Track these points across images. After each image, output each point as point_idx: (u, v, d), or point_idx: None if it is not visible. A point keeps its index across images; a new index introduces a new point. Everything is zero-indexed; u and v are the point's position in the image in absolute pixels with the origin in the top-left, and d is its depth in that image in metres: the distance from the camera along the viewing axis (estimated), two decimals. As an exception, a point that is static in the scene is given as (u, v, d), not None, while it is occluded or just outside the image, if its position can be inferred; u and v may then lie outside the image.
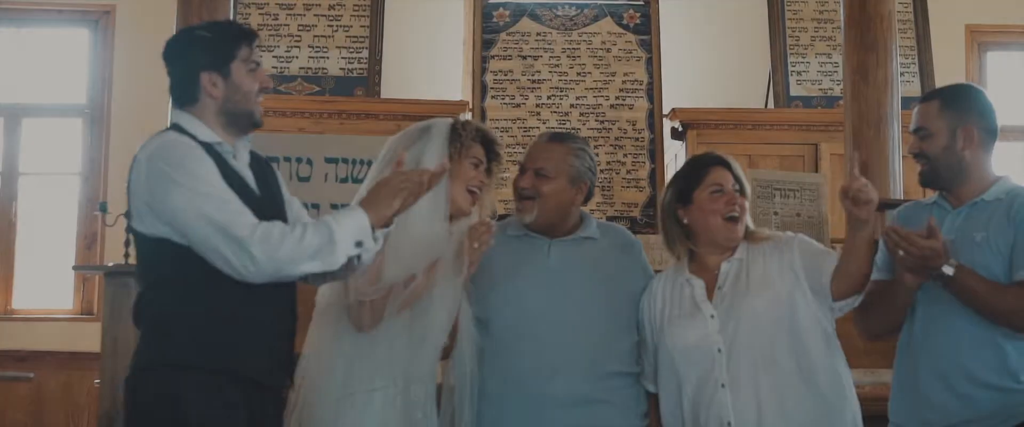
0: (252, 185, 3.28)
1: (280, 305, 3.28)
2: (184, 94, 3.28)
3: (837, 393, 3.69)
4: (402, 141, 3.66)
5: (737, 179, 3.75)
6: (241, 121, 3.28)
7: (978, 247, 3.55)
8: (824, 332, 3.68)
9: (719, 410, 3.59)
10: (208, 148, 3.20)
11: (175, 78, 3.30)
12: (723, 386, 3.60)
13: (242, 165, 3.30)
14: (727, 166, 3.78)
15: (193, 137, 3.20)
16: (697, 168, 3.83)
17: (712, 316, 3.66)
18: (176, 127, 3.26)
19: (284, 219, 3.30)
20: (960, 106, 3.69)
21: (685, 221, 3.77)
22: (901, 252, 3.41)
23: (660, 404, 3.79)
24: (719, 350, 3.62)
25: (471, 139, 3.66)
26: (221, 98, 3.25)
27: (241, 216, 3.04)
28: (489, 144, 3.73)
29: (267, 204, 3.28)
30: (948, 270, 3.43)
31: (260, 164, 3.40)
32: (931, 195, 3.86)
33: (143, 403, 3.16)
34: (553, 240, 3.89)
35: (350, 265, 3.24)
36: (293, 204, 3.47)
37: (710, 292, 3.71)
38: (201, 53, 3.27)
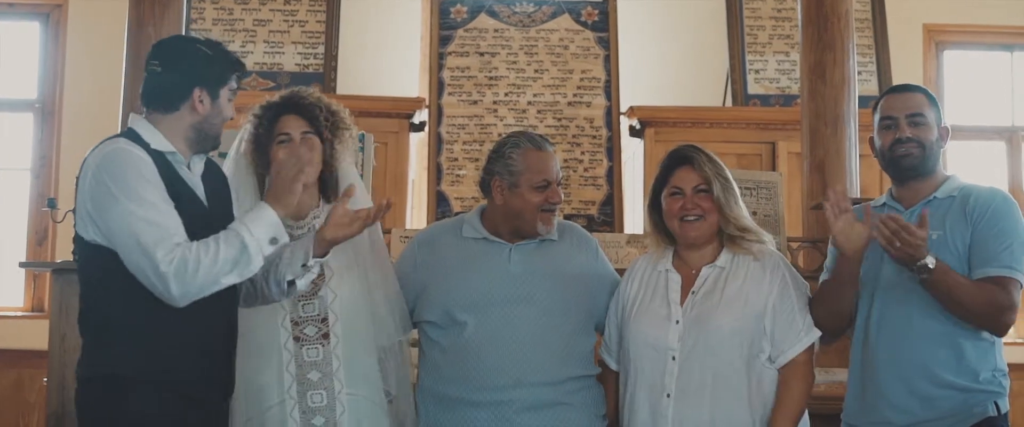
0: (201, 197, 3.31)
1: (220, 319, 3.29)
2: (165, 100, 3.30)
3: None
4: (231, 157, 3.75)
5: (709, 178, 3.67)
6: (207, 142, 3.33)
7: (935, 245, 3.57)
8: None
9: (659, 420, 3.57)
10: (159, 156, 3.22)
11: (164, 82, 3.31)
12: (669, 396, 3.58)
13: (193, 176, 3.31)
14: (692, 164, 3.71)
15: (146, 145, 3.22)
16: (664, 169, 3.79)
17: (677, 322, 3.62)
18: (130, 133, 3.27)
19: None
20: (938, 106, 3.79)
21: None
22: (898, 243, 3.41)
23: (619, 382, 3.77)
24: (673, 358, 3.59)
25: (270, 120, 3.69)
26: (203, 116, 3.29)
27: (164, 243, 3.06)
28: (297, 109, 3.68)
29: (216, 216, 3.30)
30: (930, 262, 3.43)
31: (213, 175, 3.42)
32: (879, 196, 3.88)
33: (89, 415, 3.19)
34: (514, 244, 3.86)
35: (283, 290, 3.35)
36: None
37: (685, 292, 3.68)
38: (201, 67, 3.31)
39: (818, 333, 3.67)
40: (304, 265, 3.34)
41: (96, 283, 3.21)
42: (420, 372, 3.90)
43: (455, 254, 3.86)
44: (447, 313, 3.78)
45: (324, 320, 3.62)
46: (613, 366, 3.82)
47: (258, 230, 3.12)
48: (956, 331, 3.55)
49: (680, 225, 3.68)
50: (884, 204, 3.81)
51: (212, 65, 3.31)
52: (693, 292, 3.67)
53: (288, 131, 3.65)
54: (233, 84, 3.35)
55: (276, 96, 3.78)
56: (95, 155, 3.20)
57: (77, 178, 3.25)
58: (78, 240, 3.23)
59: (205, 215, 3.26)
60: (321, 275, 3.60)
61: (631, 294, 3.77)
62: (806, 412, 3.69)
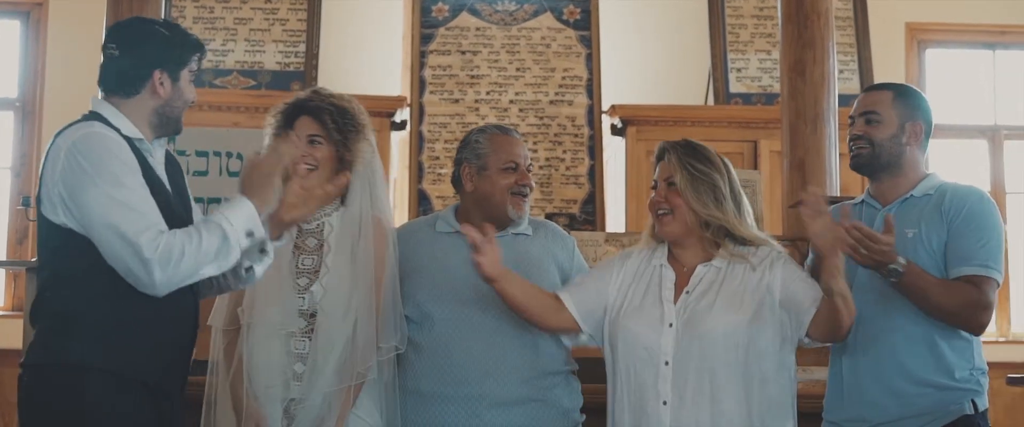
0: (167, 185, 3.28)
1: (184, 312, 3.26)
2: (126, 84, 3.24)
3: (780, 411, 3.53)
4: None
5: (682, 167, 3.53)
6: (169, 126, 3.29)
7: (910, 243, 3.57)
8: (779, 361, 3.49)
9: (655, 423, 3.45)
10: (130, 143, 3.17)
11: (122, 66, 3.26)
12: (665, 403, 3.43)
13: (158, 164, 3.28)
14: (665, 156, 3.61)
15: (117, 131, 3.17)
16: (653, 166, 3.69)
17: (670, 325, 3.48)
18: (98, 117, 3.21)
19: (191, 218, 3.32)
20: (912, 102, 3.75)
21: None
22: (863, 250, 3.38)
23: (608, 387, 3.62)
24: (666, 363, 3.44)
25: (288, 120, 3.66)
26: (164, 99, 3.24)
27: (148, 231, 3.01)
28: (311, 111, 3.66)
29: (179, 204, 3.29)
30: (900, 266, 3.42)
31: (172, 163, 3.40)
32: (858, 194, 3.88)
33: (40, 402, 3.11)
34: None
35: (240, 277, 3.29)
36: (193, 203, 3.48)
37: (678, 290, 3.54)
38: (160, 49, 3.26)
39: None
40: (261, 250, 3.25)
41: (60, 270, 3.15)
42: (398, 369, 3.85)
43: (428, 249, 3.85)
44: (420, 308, 3.77)
45: (313, 315, 3.61)
46: (579, 319, 3.62)
47: (237, 221, 3.07)
48: (934, 330, 3.55)
49: (656, 220, 3.59)
50: (862, 202, 3.81)
51: (172, 47, 3.27)
52: (687, 291, 3.53)
53: (300, 129, 3.64)
54: (194, 65, 3.30)
55: (293, 97, 3.76)
56: (66, 138, 3.13)
57: (43, 162, 3.18)
58: (44, 224, 3.16)
59: (171, 203, 3.24)
60: (316, 270, 3.61)
61: (624, 281, 3.64)
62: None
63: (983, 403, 3.58)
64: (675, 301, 3.52)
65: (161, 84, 3.23)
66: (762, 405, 3.46)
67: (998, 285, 3.56)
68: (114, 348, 3.09)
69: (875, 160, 3.70)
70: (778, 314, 3.47)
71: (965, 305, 3.50)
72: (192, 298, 3.28)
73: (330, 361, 3.59)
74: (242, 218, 3.09)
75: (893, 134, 3.69)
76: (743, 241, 3.55)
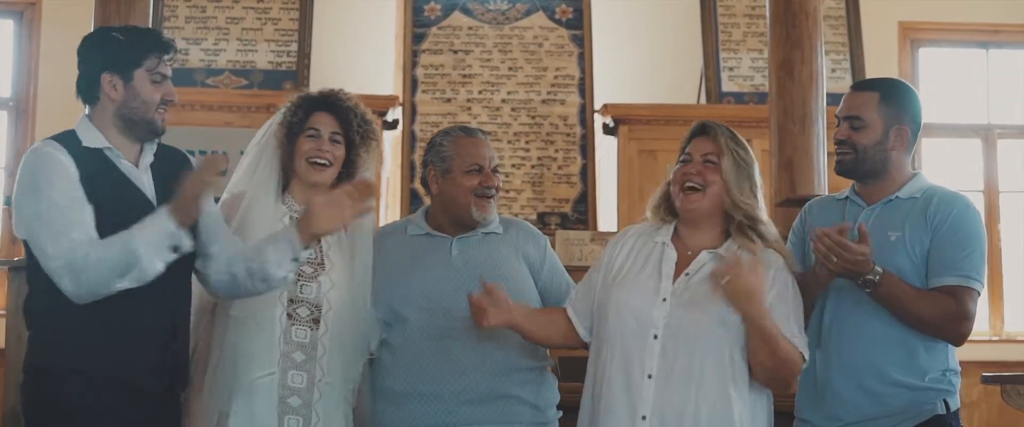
0: (145, 190, 3.32)
1: (157, 311, 3.28)
2: (86, 92, 3.34)
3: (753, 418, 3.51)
4: (260, 133, 3.75)
5: (718, 149, 3.45)
6: (138, 128, 3.33)
7: (892, 246, 3.54)
8: None
9: (637, 400, 3.39)
10: (95, 153, 3.24)
11: (80, 72, 3.35)
12: (650, 377, 3.39)
13: (135, 169, 3.33)
14: (709, 133, 3.51)
15: (78, 143, 3.25)
16: (685, 140, 3.59)
17: (664, 299, 3.44)
18: (67, 133, 3.31)
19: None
20: (899, 104, 3.67)
21: None
22: (834, 258, 3.36)
23: (589, 361, 3.59)
24: (655, 336, 3.40)
25: (303, 113, 3.69)
26: (118, 101, 3.29)
27: (59, 241, 3.10)
28: (332, 108, 3.71)
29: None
30: (874, 276, 3.40)
31: (166, 167, 3.40)
32: (843, 189, 3.84)
33: (32, 409, 3.23)
34: (456, 237, 3.87)
35: (270, 286, 3.38)
36: (210, 205, 3.43)
37: (678, 271, 3.49)
38: (108, 53, 3.32)
39: (807, 352, 3.47)
40: (294, 259, 3.37)
41: (33, 277, 3.26)
42: (372, 371, 3.87)
43: (400, 252, 3.87)
44: (392, 310, 3.79)
45: (317, 306, 3.63)
46: (581, 332, 3.64)
47: (149, 236, 3.12)
48: (908, 331, 3.54)
49: (681, 193, 3.49)
50: (847, 197, 3.77)
51: (121, 48, 3.31)
52: (687, 274, 3.48)
53: (318, 127, 3.67)
54: (152, 64, 3.31)
55: (315, 90, 3.79)
56: (24, 156, 3.25)
57: None
58: None
59: (150, 208, 3.25)
60: (321, 263, 3.65)
61: (619, 259, 3.60)
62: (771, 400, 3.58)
63: (955, 403, 3.57)
64: (674, 280, 3.48)
65: (112, 86, 3.28)
66: (741, 400, 3.43)
67: (978, 295, 3.55)
68: (91, 351, 3.16)
69: (859, 166, 3.64)
70: None
71: (943, 316, 3.49)
72: (173, 299, 3.32)
73: (338, 358, 3.64)
74: (157, 233, 3.14)
75: (878, 140, 3.62)
76: (759, 235, 3.50)
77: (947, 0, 9.03)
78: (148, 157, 3.36)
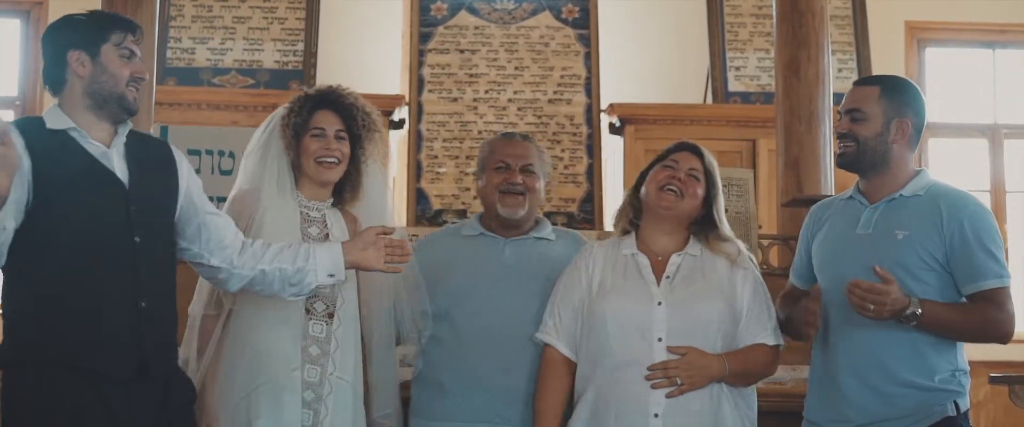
0: (116, 171, 3.27)
1: (128, 295, 3.23)
2: (53, 77, 3.30)
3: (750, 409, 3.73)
4: (259, 134, 3.77)
5: (706, 170, 3.72)
6: (110, 105, 3.29)
7: (899, 245, 3.54)
8: None
9: (647, 400, 3.53)
10: (59, 135, 3.22)
11: (46, 60, 3.33)
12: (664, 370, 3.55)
13: (105, 150, 3.29)
14: (698, 154, 3.75)
15: (41, 125, 3.23)
16: (666, 151, 3.80)
17: (660, 303, 3.59)
18: (32, 118, 3.32)
19: (165, 206, 3.37)
20: (900, 98, 3.68)
21: (641, 198, 3.76)
22: (871, 306, 3.37)
23: (578, 369, 3.71)
24: (660, 339, 3.56)
25: (306, 113, 3.71)
26: (87, 78, 3.26)
27: None
28: (334, 106, 3.74)
29: (140, 190, 3.29)
30: (915, 309, 3.41)
31: (144, 149, 3.40)
32: (846, 190, 3.85)
33: (4, 401, 3.20)
34: (508, 239, 3.97)
35: (299, 293, 3.48)
36: (193, 194, 3.45)
37: (656, 276, 3.66)
38: (72, 33, 3.30)
39: (782, 342, 3.72)
40: (331, 275, 3.44)
41: (7, 267, 3.22)
42: (419, 361, 4.00)
43: (454, 250, 4.02)
44: (442, 304, 3.90)
45: (333, 301, 3.66)
46: (564, 351, 3.73)
47: None
48: (915, 331, 3.53)
49: (657, 192, 3.69)
50: (850, 197, 3.79)
51: (84, 26, 3.30)
52: (667, 277, 3.66)
53: (323, 126, 3.71)
54: (119, 38, 3.29)
55: (315, 88, 3.82)
56: None
57: None
58: None
59: (119, 187, 3.25)
60: None
61: (597, 276, 3.73)
62: (755, 397, 3.76)
63: (965, 404, 3.56)
64: (658, 284, 3.65)
65: (80, 63, 3.25)
66: (743, 392, 3.68)
67: (1010, 287, 3.54)
68: (48, 340, 3.14)
69: (860, 158, 3.66)
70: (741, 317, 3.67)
71: (988, 325, 3.51)
72: (138, 289, 3.26)
73: (350, 353, 3.67)
74: None
75: (878, 132, 3.64)
76: (720, 237, 3.73)
77: (954, 0, 9.01)
78: (121, 139, 3.33)
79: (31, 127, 3.23)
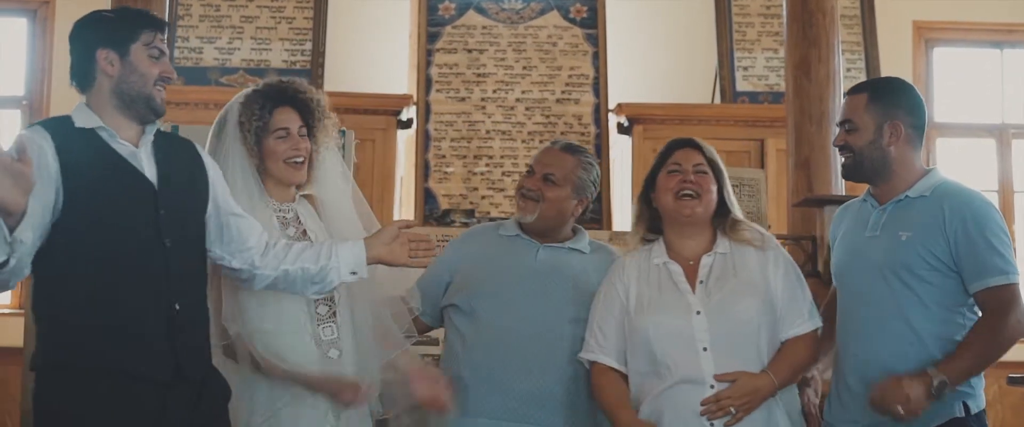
0: (144, 170, 3.23)
1: (163, 300, 3.20)
2: (82, 75, 3.26)
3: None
4: (210, 142, 3.65)
5: (710, 161, 3.68)
6: (138, 105, 3.24)
7: (903, 246, 3.53)
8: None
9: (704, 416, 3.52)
10: (88, 133, 3.18)
11: (74, 58, 3.28)
12: (713, 387, 3.51)
13: (133, 149, 3.24)
14: (696, 147, 3.72)
15: (70, 125, 3.19)
16: (662, 154, 3.77)
17: (698, 312, 3.55)
18: (61, 117, 3.25)
19: (194, 207, 3.32)
20: (888, 100, 3.66)
21: (654, 205, 3.72)
22: (900, 409, 3.36)
23: (631, 383, 3.67)
24: (705, 349, 3.52)
25: (266, 113, 3.61)
26: (116, 77, 3.21)
27: None
28: (293, 102, 3.65)
29: (169, 191, 3.25)
30: (944, 381, 3.39)
31: (173, 149, 3.36)
32: (861, 192, 3.85)
33: (37, 404, 3.16)
34: (543, 244, 3.95)
35: (321, 290, 3.46)
36: (218, 195, 3.41)
37: (690, 283, 3.62)
38: (102, 31, 3.25)
39: (820, 322, 3.66)
40: (353, 272, 3.42)
41: (38, 269, 3.16)
42: (442, 354, 4.03)
43: (489, 247, 4.00)
44: (469, 299, 3.89)
45: (332, 299, 3.64)
46: (612, 363, 3.69)
47: None
48: (923, 330, 3.52)
49: (675, 202, 3.63)
50: (864, 199, 3.79)
51: (113, 25, 3.26)
52: (701, 281, 3.61)
53: (286, 126, 3.61)
54: (148, 38, 3.25)
55: (264, 84, 3.70)
56: None
57: None
58: None
59: (148, 187, 3.22)
60: None
61: (631, 291, 3.69)
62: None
63: (975, 405, 3.53)
64: (693, 291, 3.60)
65: (109, 63, 3.21)
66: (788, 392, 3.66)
67: (1018, 282, 3.51)
68: (87, 343, 3.11)
69: (859, 167, 3.65)
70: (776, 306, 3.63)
71: (1006, 330, 3.47)
72: (170, 291, 3.22)
73: (352, 348, 3.64)
74: None
75: (871, 139, 3.61)
76: (738, 225, 3.72)
77: (962, 0, 9.00)
78: (148, 139, 3.29)
79: (60, 127, 3.19)
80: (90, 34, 3.26)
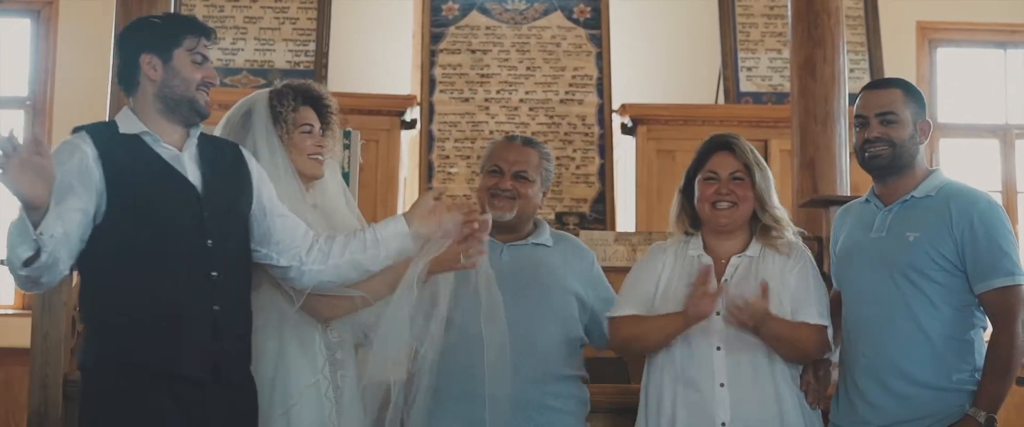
0: (188, 174, 3.28)
1: (206, 301, 3.24)
2: (126, 79, 3.32)
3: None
4: (227, 130, 3.64)
5: (746, 166, 3.68)
6: (181, 108, 3.29)
7: (910, 247, 3.55)
8: None
9: (715, 408, 3.56)
10: (131, 139, 3.24)
11: (120, 63, 3.35)
12: (722, 385, 3.56)
13: (177, 153, 3.29)
14: (731, 149, 3.73)
15: (114, 130, 3.25)
16: (701, 153, 3.79)
17: (718, 314, 3.59)
18: (105, 123, 3.35)
19: (238, 209, 3.35)
20: (919, 100, 3.72)
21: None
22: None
23: (647, 370, 3.73)
24: (718, 348, 3.58)
25: (292, 109, 3.63)
26: (158, 82, 3.26)
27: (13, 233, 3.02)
28: (315, 102, 3.68)
29: (212, 193, 3.29)
30: (989, 419, 3.49)
31: (216, 155, 3.39)
32: (863, 193, 3.85)
33: (85, 403, 3.25)
34: (506, 244, 3.93)
35: (370, 271, 3.44)
36: (263, 197, 3.43)
37: (717, 281, 3.63)
38: (146, 36, 3.31)
39: (828, 322, 3.65)
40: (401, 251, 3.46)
41: (81, 268, 3.26)
42: (422, 368, 3.88)
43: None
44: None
45: None
46: (632, 311, 3.73)
47: (16, 225, 3.04)
48: (933, 332, 3.53)
49: (711, 210, 3.68)
50: (866, 200, 3.80)
51: (157, 30, 3.32)
52: (725, 280, 3.66)
53: (311, 123, 3.64)
54: (192, 45, 3.29)
55: (285, 84, 3.72)
56: None
57: None
58: None
59: (192, 190, 3.26)
60: None
61: (663, 276, 3.74)
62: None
63: None
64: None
65: (152, 67, 3.26)
66: (799, 394, 3.67)
67: None
68: (125, 345, 3.16)
69: (896, 161, 3.67)
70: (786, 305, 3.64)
71: (1015, 338, 3.50)
72: (208, 291, 3.26)
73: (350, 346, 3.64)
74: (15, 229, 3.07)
75: (911, 134, 3.67)
76: (781, 235, 3.72)
77: (965, 0, 8.99)
78: (193, 142, 3.33)
79: (104, 133, 3.25)
80: (135, 39, 3.32)
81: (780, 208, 3.73)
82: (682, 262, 3.73)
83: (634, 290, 3.76)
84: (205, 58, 3.32)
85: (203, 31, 3.34)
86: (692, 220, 3.78)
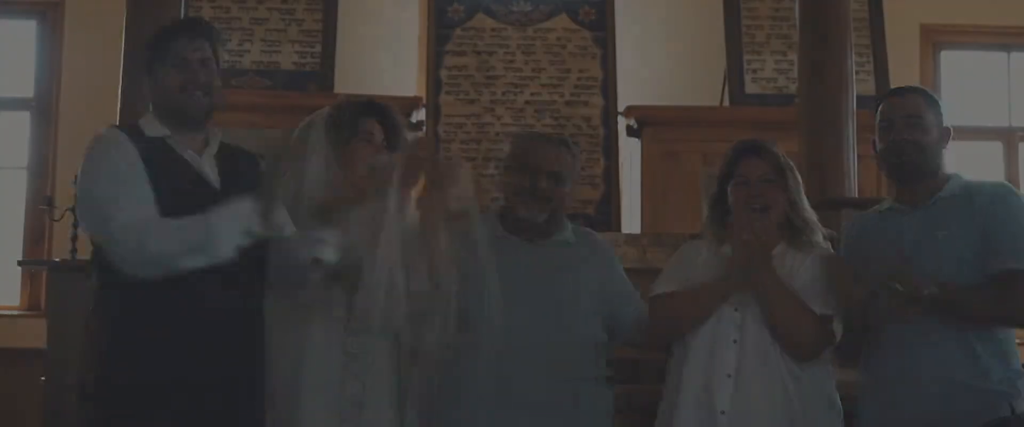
0: (210, 178, 3.35)
1: (223, 305, 3.26)
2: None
3: (820, 400, 3.67)
4: (294, 141, 3.64)
5: (776, 169, 3.72)
6: (176, 117, 3.37)
7: (940, 245, 3.58)
8: None
9: (718, 397, 3.57)
10: (157, 142, 3.31)
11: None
12: (729, 376, 3.59)
13: (198, 158, 3.36)
14: (760, 153, 3.76)
15: (140, 132, 3.33)
16: (731, 159, 3.81)
17: (735, 309, 3.63)
18: (130, 124, 3.46)
19: None
20: (939, 108, 3.77)
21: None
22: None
23: (674, 361, 3.75)
24: (735, 341, 3.61)
25: (351, 119, 3.63)
26: (153, 99, 3.41)
27: (122, 212, 3.12)
28: (380, 114, 3.68)
29: (231, 196, 3.28)
30: (933, 290, 3.42)
31: (232, 158, 3.46)
32: (874, 196, 3.87)
33: (102, 411, 3.24)
34: (529, 243, 3.88)
35: (304, 275, 3.33)
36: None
37: None
38: (145, 56, 3.44)
39: (831, 316, 3.63)
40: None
41: (96, 277, 3.28)
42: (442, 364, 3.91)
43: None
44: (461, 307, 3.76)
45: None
46: (674, 288, 3.76)
47: (227, 216, 3.15)
48: (968, 331, 3.53)
49: (743, 215, 3.68)
50: (889, 208, 3.80)
51: (149, 47, 3.43)
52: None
53: (372, 132, 3.63)
54: (172, 55, 3.37)
55: (362, 98, 3.77)
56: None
57: None
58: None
59: (214, 195, 3.28)
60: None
61: (697, 272, 3.75)
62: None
63: (1022, 406, 3.53)
64: None
65: (148, 87, 3.42)
66: (807, 388, 3.63)
67: None
68: (145, 348, 3.17)
69: (923, 165, 3.71)
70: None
71: (1010, 303, 3.53)
72: (224, 295, 3.27)
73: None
74: (233, 215, 3.16)
75: (938, 139, 3.72)
76: (809, 239, 3.74)
77: (969, 3, 9.00)
78: (213, 147, 3.41)
79: (134, 132, 3.33)
80: (142, 58, 3.45)
81: (810, 210, 3.76)
82: (713, 259, 3.75)
83: (675, 273, 3.80)
84: (185, 61, 3.37)
85: (185, 34, 3.42)
86: (723, 224, 3.78)
